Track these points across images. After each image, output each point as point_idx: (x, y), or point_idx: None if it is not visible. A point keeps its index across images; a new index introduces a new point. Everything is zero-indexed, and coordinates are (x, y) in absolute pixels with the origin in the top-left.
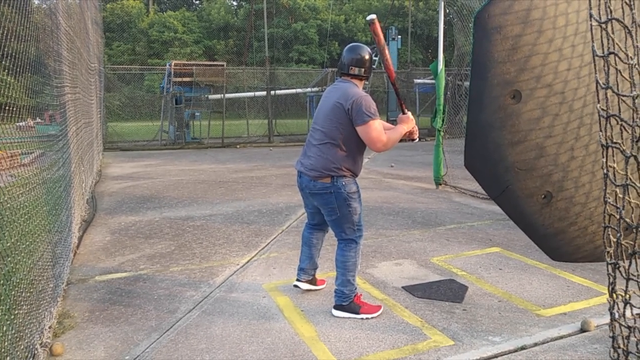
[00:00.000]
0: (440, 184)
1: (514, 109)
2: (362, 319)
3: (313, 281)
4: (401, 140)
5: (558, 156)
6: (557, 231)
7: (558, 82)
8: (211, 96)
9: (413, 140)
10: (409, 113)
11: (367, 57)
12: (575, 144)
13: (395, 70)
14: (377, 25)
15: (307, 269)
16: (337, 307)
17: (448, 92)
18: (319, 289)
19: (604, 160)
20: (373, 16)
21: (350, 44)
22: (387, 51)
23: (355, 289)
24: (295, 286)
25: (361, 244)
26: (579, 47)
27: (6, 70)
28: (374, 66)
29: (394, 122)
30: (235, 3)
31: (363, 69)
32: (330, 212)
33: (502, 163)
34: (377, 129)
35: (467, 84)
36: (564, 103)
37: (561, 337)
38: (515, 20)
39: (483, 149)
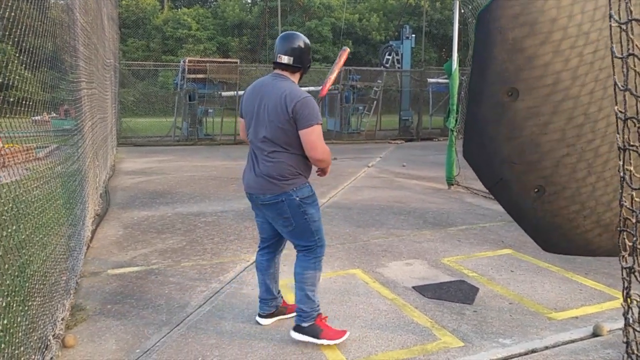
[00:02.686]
0: (452, 184)
1: (510, 106)
2: (321, 344)
3: (280, 312)
4: (408, 139)
5: (552, 152)
6: (548, 224)
7: (556, 81)
8: (224, 93)
9: (320, 175)
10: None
11: (302, 45)
12: (570, 141)
13: (409, 69)
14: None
15: (267, 300)
16: (296, 328)
17: (462, 92)
18: (290, 317)
19: (621, 162)
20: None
21: (284, 32)
22: (334, 75)
23: (318, 307)
24: (258, 322)
25: (322, 255)
26: (579, 48)
27: (24, 65)
28: (387, 65)
29: (405, 121)
30: (249, 0)
31: (292, 58)
32: (284, 222)
33: (497, 156)
34: (320, 134)
35: None
36: (562, 101)
37: (573, 341)
38: (516, 21)
39: (479, 141)
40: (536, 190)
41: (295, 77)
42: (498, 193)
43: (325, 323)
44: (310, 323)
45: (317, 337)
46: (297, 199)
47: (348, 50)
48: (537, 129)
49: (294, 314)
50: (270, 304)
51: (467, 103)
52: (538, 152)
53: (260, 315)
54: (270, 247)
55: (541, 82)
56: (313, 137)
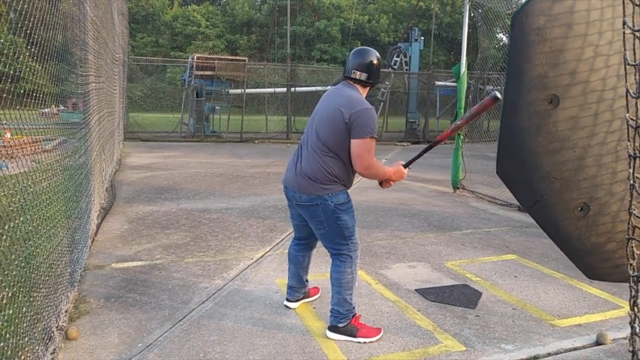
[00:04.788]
0: (458, 188)
1: (551, 114)
2: (358, 342)
3: (305, 296)
4: (414, 142)
5: (598, 166)
6: (593, 247)
7: (600, 87)
8: (232, 91)
9: (382, 187)
10: (407, 170)
11: (374, 62)
12: (617, 154)
13: (417, 71)
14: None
15: (296, 287)
16: (331, 329)
17: (470, 96)
18: (313, 299)
19: (631, 170)
20: (499, 95)
21: (358, 47)
22: (463, 121)
23: (354, 308)
24: (285, 306)
25: (357, 258)
26: (622, 53)
27: (34, 57)
28: (395, 67)
29: (412, 124)
30: None
31: (367, 75)
32: (317, 225)
33: (537, 171)
34: (370, 148)
35: (489, 87)
36: (607, 111)
37: (575, 349)
38: (555, 22)
39: (517, 156)
40: (580, 209)
41: (363, 90)
42: (537, 213)
43: (360, 321)
44: (346, 323)
45: (354, 336)
46: (332, 204)
47: (498, 98)
48: (580, 140)
49: (315, 297)
50: (300, 291)
51: (502, 114)
52: (582, 165)
53: (288, 300)
54: (305, 243)
55: (585, 88)
56: (361, 148)
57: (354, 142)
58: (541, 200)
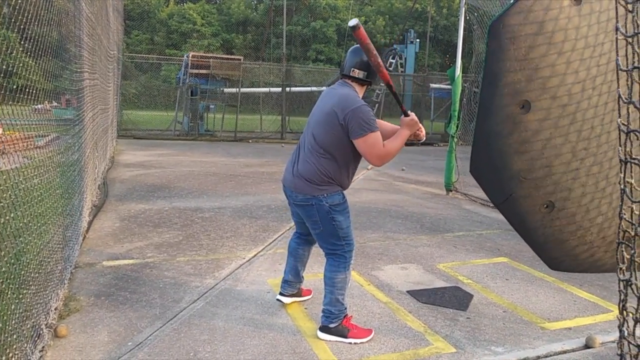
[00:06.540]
0: (451, 191)
1: (522, 119)
2: (349, 343)
3: (298, 293)
4: (409, 144)
5: (564, 167)
6: (556, 241)
7: (569, 93)
8: (226, 90)
9: (419, 140)
10: (412, 114)
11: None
12: (583, 156)
13: (412, 73)
14: (362, 31)
15: (292, 282)
16: (323, 329)
17: (464, 99)
18: (305, 300)
19: (622, 175)
20: (355, 21)
21: (356, 46)
22: (374, 53)
23: (345, 309)
24: (278, 300)
25: (352, 259)
26: (589, 60)
27: (27, 53)
28: (391, 69)
29: None
30: None
31: (365, 73)
32: (313, 225)
33: (507, 171)
34: (374, 142)
35: None
36: (574, 115)
37: (564, 352)
38: (529, 32)
39: (489, 156)
40: (545, 206)
41: (360, 89)
42: (506, 210)
43: (351, 322)
44: (337, 324)
45: (345, 337)
46: (327, 205)
47: (356, 22)
48: (549, 143)
49: (307, 297)
50: (295, 286)
51: (477, 116)
52: (549, 166)
53: (282, 294)
54: (305, 239)
55: (554, 94)
56: (365, 146)
57: (357, 143)
58: (510, 198)
